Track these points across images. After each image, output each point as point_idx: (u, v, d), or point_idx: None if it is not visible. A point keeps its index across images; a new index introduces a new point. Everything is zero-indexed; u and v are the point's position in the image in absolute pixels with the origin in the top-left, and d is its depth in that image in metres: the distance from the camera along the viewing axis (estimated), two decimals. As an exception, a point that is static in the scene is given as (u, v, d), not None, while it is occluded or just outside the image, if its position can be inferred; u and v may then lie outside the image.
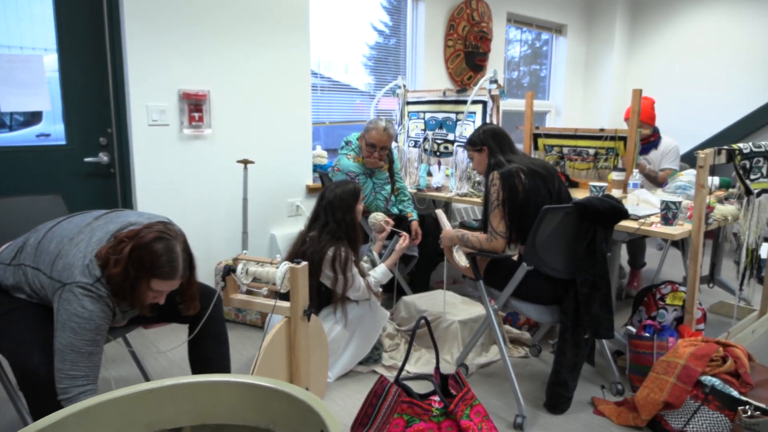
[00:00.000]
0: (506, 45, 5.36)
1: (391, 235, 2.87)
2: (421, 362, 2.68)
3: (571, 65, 5.75)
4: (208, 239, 3.26)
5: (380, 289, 2.70)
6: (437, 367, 2.01)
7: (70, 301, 1.55)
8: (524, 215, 2.21)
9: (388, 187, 3.20)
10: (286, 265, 1.71)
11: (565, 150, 3.81)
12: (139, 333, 3.01)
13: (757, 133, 5.09)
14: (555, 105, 5.78)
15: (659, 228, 2.39)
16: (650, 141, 3.80)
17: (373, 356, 2.65)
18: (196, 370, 1.88)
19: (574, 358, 2.24)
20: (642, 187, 3.58)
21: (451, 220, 4.15)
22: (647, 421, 2.12)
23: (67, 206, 2.26)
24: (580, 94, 5.94)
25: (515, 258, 2.46)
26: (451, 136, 3.51)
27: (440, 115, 3.59)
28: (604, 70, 5.80)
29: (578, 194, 3.02)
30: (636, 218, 2.49)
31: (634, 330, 2.45)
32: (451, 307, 2.92)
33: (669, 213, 2.37)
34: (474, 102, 3.35)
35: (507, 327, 2.97)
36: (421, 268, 3.40)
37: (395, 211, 3.30)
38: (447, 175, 3.51)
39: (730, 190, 3.04)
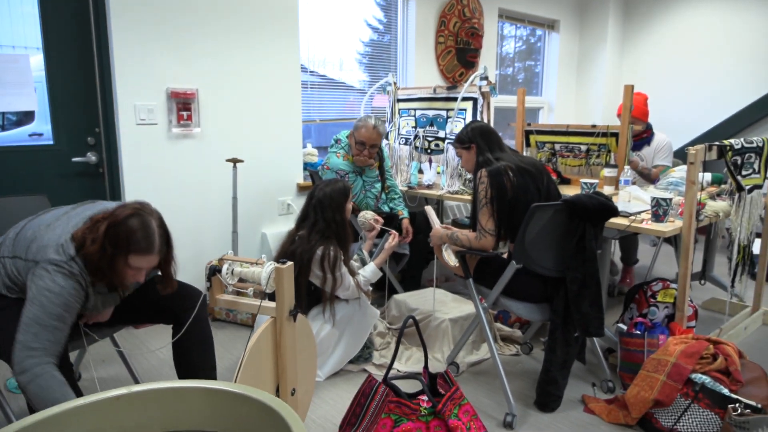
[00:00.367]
0: (501, 41, 5.34)
1: (381, 234, 2.85)
2: (412, 361, 2.67)
3: (563, 61, 5.73)
4: (199, 239, 3.24)
5: (370, 288, 2.69)
6: (426, 366, 2.00)
7: (42, 277, 1.55)
8: (513, 213, 2.20)
9: (378, 186, 3.19)
10: (271, 266, 1.69)
11: (557, 146, 3.79)
12: (129, 333, 2.99)
13: (751, 128, 5.09)
14: (548, 101, 5.76)
15: (650, 225, 2.37)
16: (643, 137, 3.79)
17: (364, 355, 2.64)
18: (181, 372, 1.87)
19: (564, 356, 2.23)
20: (634, 183, 3.58)
21: (443, 218, 4.14)
22: (637, 419, 2.11)
23: (55, 206, 2.24)
24: (573, 90, 5.93)
25: (505, 256, 2.45)
26: (441, 134, 3.49)
27: (431, 113, 3.57)
28: (597, 65, 5.78)
29: (569, 191, 3.01)
30: (626, 215, 2.47)
31: (624, 327, 2.44)
32: (441, 305, 2.90)
33: (659, 210, 2.36)
34: (464, 99, 3.34)
35: (498, 325, 2.96)
36: (413, 266, 3.38)
37: (386, 209, 3.29)
38: (438, 173, 3.49)
39: (722, 186, 3.03)
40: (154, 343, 2.85)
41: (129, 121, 2.94)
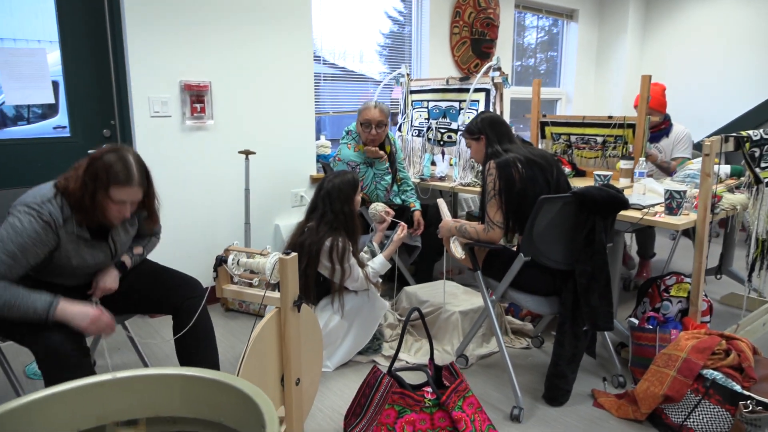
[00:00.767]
0: (523, 31, 5.28)
1: (392, 226, 2.85)
2: (422, 353, 2.67)
3: (582, 51, 5.64)
4: (212, 230, 3.28)
5: (380, 280, 2.69)
6: (431, 358, 2.00)
7: (11, 215, 1.64)
8: (521, 205, 2.17)
9: (389, 177, 3.18)
10: (275, 256, 1.70)
11: (573, 138, 3.74)
12: (144, 321, 3.05)
13: (774, 120, 4.96)
14: (566, 92, 5.68)
15: (663, 218, 2.33)
16: (661, 129, 3.71)
17: (373, 346, 2.65)
18: (183, 364, 1.89)
19: (573, 350, 2.21)
20: (651, 176, 3.51)
21: (458, 210, 4.12)
22: (647, 415, 2.08)
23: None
24: (591, 81, 5.83)
25: (515, 248, 2.43)
26: (454, 125, 3.47)
27: (443, 104, 3.54)
28: (617, 56, 5.67)
29: (584, 183, 2.97)
30: (639, 208, 2.43)
31: (636, 322, 2.40)
32: (452, 297, 2.89)
33: (673, 202, 2.31)
34: (477, 90, 3.30)
35: (509, 318, 2.94)
36: (425, 259, 3.37)
37: (398, 201, 3.28)
38: (451, 165, 3.47)
39: (742, 178, 2.96)
40: (168, 332, 2.89)
41: (143, 114, 2.98)
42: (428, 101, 3.65)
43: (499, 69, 3.20)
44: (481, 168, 3.32)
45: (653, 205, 2.46)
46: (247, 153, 3.17)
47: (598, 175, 2.84)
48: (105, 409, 0.73)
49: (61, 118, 2.96)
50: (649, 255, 3.69)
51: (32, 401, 0.69)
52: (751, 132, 2.44)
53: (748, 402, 1.82)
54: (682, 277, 2.51)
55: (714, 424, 1.93)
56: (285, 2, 3.38)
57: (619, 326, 2.58)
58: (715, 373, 1.97)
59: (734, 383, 1.94)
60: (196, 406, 0.74)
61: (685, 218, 2.32)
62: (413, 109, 3.76)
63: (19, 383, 1.98)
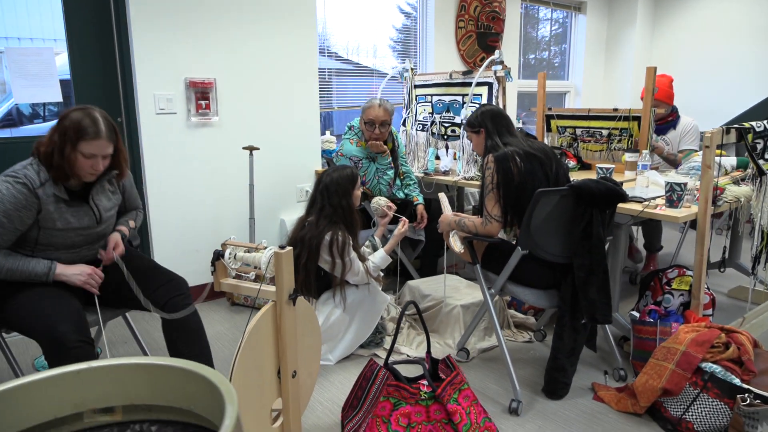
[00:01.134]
0: (537, 24, 5.25)
1: (395, 221, 2.86)
2: (423, 346, 2.68)
3: (590, 44, 5.58)
4: (218, 225, 3.32)
5: (381, 274, 2.71)
6: (428, 351, 2.01)
7: None
8: (520, 199, 2.17)
9: (392, 172, 3.19)
10: (270, 250, 1.72)
11: (579, 131, 3.72)
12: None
13: (786, 111, 4.87)
14: (575, 85, 5.63)
15: (664, 210, 2.31)
16: (668, 121, 3.68)
17: (375, 340, 2.67)
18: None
19: (572, 344, 2.21)
20: (657, 168, 3.48)
21: (465, 204, 4.12)
22: (646, 408, 2.08)
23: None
24: (601, 74, 5.77)
25: (515, 242, 2.43)
26: (458, 119, 3.46)
27: (447, 98, 3.54)
28: (626, 48, 5.61)
29: (588, 177, 2.95)
30: (640, 201, 2.41)
31: (637, 315, 2.39)
32: (454, 291, 2.90)
33: (674, 195, 2.29)
34: (480, 84, 3.30)
35: (512, 311, 2.94)
36: (429, 253, 3.38)
37: (401, 195, 3.29)
38: (455, 159, 3.47)
39: (747, 170, 2.92)
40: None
41: (149, 111, 3.02)
42: (432, 96, 3.65)
43: (501, 63, 3.19)
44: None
45: (654, 198, 2.44)
46: (251, 149, 3.20)
47: (601, 168, 2.82)
48: (82, 397, 0.76)
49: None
50: (656, 248, 3.66)
51: (9, 389, 0.72)
52: (754, 123, 2.41)
53: (746, 395, 1.81)
54: (684, 270, 2.49)
55: (713, 418, 1.92)
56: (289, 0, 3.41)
57: (621, 320, 2.57)
58: (714, 366, 1.95)
59: (733, 376, 1.92)
60: (168, 394, 0.76)
61: (686, 211, 2.30)
62: (417, 103, 3.76)
63: (19, 368, 2.03)
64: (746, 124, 2.38)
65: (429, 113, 3.66)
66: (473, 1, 4.40)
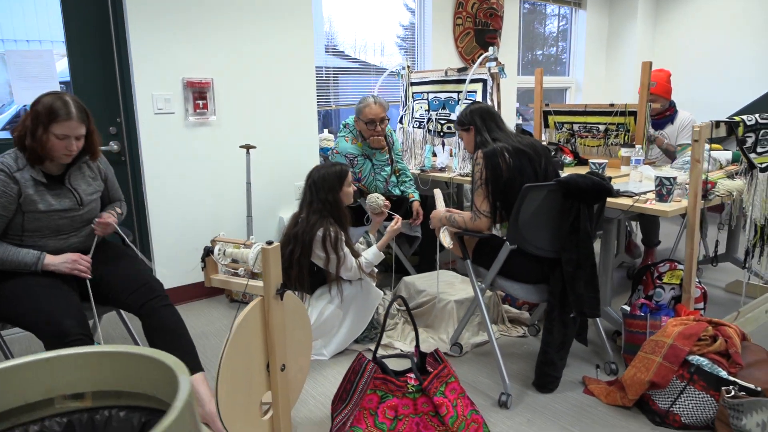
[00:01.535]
0: (544, 20, 5.25)
1: (390, 217, 2.89)
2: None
3: (591, 39, 5.57)
4: (217, 224, 3.36)
5: (375, 270, 2.74)
6: (417, 345, 2.04)
7: None
8: (509, 194, 2.19)
9: (388, 169, 3.21)
10: (258, 246, 1.76)
11: (576, 127, 3.73)
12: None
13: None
14: (575, 80, 5.62)
15: (653, 205, 2.32)
16: (666, 115, 3.67)
17: (370, 335, 2.70)
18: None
19: (562, 337, 2.23)
20: (653, 163, 3.48)
21: (464, 201, 4.13)
22: (634, 401, 2.09)
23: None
24: (602, 69, 5.76)
25: (505, 237, 2.45)
26: (453, 116, 3.48)
27: (443, 95, 3.56)
28: (627, 43, 5.59)
29: (583, 172, 2.96)
30: (630, 195, 2.42)
31: (629, 309, 2.40)
32: (449, 286, 2.92)
33: (663, 189, 2.30)
34: (474, 81, 3.31)
35: (506, 306, 2.96)
36: (427, 249, 3.40)
37: (397, 192, 3.32)
38: (451, 156, 3.49)
39: (741, 165, 2.91)
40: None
41: (147, 111, 3.07)
42: (428, 93, 3.67)
43: (495, 59, 3.20)
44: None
45: (645, 193, 2.45)
46: (248, 147, 3.24)
47: (594, 163, 2.84)
48: (52, 383, 0.79)
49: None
50: (654, 243, 3.66)
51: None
52: (745, 117, 2.41)
53: (731, 387, 1.82)
54: (676, 264, 2.49)
55: (699, 410, 1.93)
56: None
57: (613, 314, 2.59)
58: (701, 359, 1.96)
59: (720, 369, 1.93)
60: (134, 380, 0.79)
61: (676, 205, 2.31)
62: (414, 101, 3.78)
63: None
64: (737, 118, 2.38)
65: (426, 110, 3.68)
66: (471, -2, 4.41)
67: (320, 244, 2.43)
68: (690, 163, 2.87)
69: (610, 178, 2.35)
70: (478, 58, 4.56)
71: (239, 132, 3.37)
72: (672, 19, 5.55)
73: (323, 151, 3.71)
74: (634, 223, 3.85)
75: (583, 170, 3.33)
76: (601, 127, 3.58)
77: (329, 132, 3.94)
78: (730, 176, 2.77)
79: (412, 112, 3.77)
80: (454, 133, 3.46)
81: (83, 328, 1.80)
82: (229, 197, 3.39)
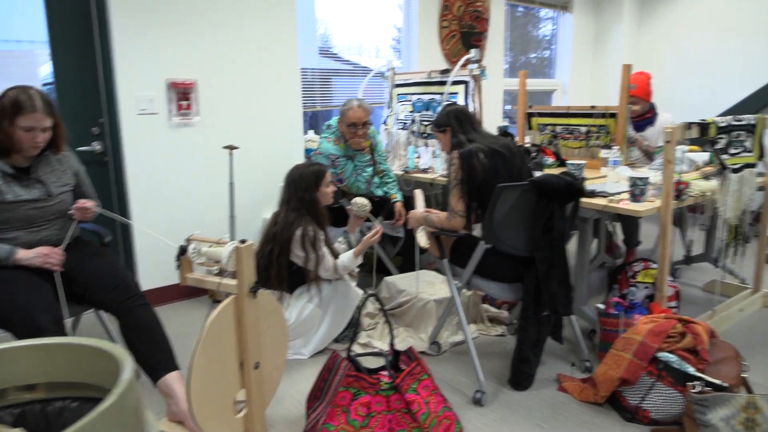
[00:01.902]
0: (538, 23, 5.30)
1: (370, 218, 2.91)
2: (397, 340, 2.73)
3: (578, 42, 5.62)
4: (201, 224, 3.37)
5: (357, 269, 2.76)
6: (392, 343, 2.07)
7: None
8: (484, 194, 2.22)
9: (370, 170, 3.24)
10: (232, 245, 1.78)
11: (558, 129, 3.76)
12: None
13: (769, 108, 4.90)
14: (562, 83, 5.67)
15: (626, 205, 2.36)
16: (646, 118, 3.71)
17: (350, 334, 2.71)
18: (136, 360, 1.98)
19: (537, 335, 2.26)
20: (634, 164, 3.52)
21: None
22: (606, 398, 2.12)
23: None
24: (588, 72, 5.81)
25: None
26: (436, 118, 3.51)
27: (426, 97, 3.59)
28: (613, 45, 5.64)
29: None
30: (605, 195, 2.46)
31: (603, 307, 2.44)
32: (429, 286, 2.95)
33: (636, 189, 2.34)
34: (456, 82, 3.35)
35: (485, 306, 2.99)
36: (409, 249, 3.43)
37: (380, 193, 3.34)
38: (434, 157, 3.52)
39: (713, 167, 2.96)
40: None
41: (130, 111, 3.08)
42: (412, 94, 3.70)
43: (477, 61, 3.24)
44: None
45: (620, 193, 2.48)
46: (230, 148, 3.25)
47: (571, 164, 2.87)
48: (4, 375, 0.81)
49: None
50: (634, 243, 3.70)
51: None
52: (718, 118, 2.45)
53: (697, 383, 1.85)
54: (650, 263, 2.53)
55: (667, 406, 1.96)
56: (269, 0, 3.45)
57: (588, 313, 2.62)
58: (670, 355, 2.00)
59: (688, 365, 1.97)
60: (85, 372, 0.81)
61: (649, 205, 2.35)
62: (398, 102, 3.81)
63: None
64: (709, 120, 2.42)
65: (410, 112, 3.71)
66: (456, 0, 4.45)
67: (299, 242, 2.46)
68: (666, 164, 2.92)
69: (584, 179, 2.38)
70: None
71: (223, 133, 3.38)
72: (657, 22, 5.61)
73: (307, 152, 3.73)
74: (616, 224, 3.89)
75: (560, 172, 3.37)
76: (583, 129, 3.62)
77: (315, 133, 3.96)
78: (706, 177, 2.82)
79: (397, 114, 3.80)
80: (437, 134, 3.49)
81: (58, 324, 1.81)
82: (213, 198, 3.41)
